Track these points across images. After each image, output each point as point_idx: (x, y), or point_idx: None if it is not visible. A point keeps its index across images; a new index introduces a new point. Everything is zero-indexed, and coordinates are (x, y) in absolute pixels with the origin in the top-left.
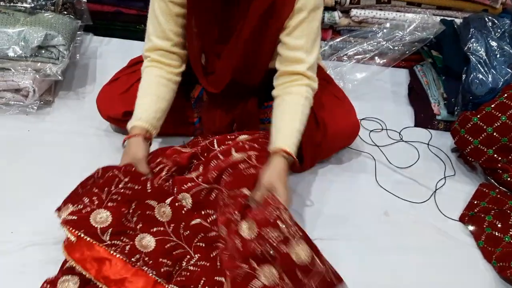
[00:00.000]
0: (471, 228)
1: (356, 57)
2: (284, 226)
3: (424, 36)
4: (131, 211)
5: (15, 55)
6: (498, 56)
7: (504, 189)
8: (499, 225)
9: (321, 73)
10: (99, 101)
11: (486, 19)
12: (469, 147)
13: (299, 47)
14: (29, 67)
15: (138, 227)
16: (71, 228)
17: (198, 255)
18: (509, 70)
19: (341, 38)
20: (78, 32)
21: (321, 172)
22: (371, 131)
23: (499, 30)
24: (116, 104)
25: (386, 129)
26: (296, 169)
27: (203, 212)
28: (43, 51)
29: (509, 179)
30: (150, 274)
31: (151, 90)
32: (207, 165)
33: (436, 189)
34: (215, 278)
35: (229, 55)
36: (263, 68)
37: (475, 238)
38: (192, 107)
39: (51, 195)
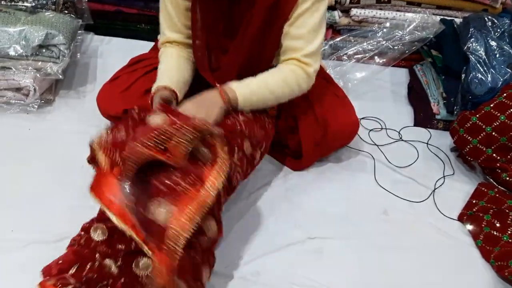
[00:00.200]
0: (469, 227)
1: (356, 56)
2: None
3: (424, 35)
4: None
5: (16, 54)
6: (497, 55)
7: (503, 188)
8: (497, 225)
9: (321, 72)
10: (99, 100)
11: (485, 18)
12: (468, 146)
13: (299, 37)
14: (30, 66)
15: None
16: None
17: None
18: (509, 70)
19: (341, 37)
20: (78, 31)
21: (320, 171)
22: (370, 130)
23: (498, 30)
24: (116, 102)
25: (386, 129)
26: (296, 167)
27: None
28: (44, 50)
29: (508, 178)
30: None
31: (172, 64)
32: None
33: (435, 189)
34: None
35: (236, 50)
36: (269, 62)
37: (474, 237)
38: None
39: (52, 193)
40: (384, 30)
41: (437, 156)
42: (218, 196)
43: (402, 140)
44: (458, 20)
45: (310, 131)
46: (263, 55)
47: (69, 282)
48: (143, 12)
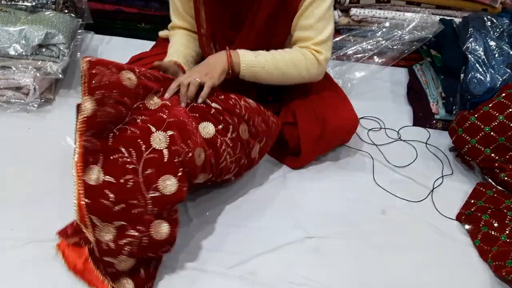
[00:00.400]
0: (467, 227)
1: (355, 56)
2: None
3: (423, 35)
4: None
5: (16, 54)
6: (496, 55)
7: (501, 188)
8: (495, 224)
9: None
10: None
11: (485, 18)
12: (467, 146)
13: (308, 27)
14: (30, 65)
15: None
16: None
17: None
18: (508, 70)
19: (341, 37)
20: (79, 31)
21: (319, 171)
22: (369, 130)
23: (498, 30)
24: None
25: (385, 128)
26: (295, 164)
27: None
28: (43, 50)
29: (506, 178)
30: None
31: (180, 42)
32: None
33: (433, 188)
34: None
35: (242, 43)
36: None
37: (472, 237)
38: None
39: (51, 192)
40: (384, 29)
41: (436, 156)
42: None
43: (401, 139)
44: (457, 20)
45: (309, 127)
46: (269, 47)
47: (89, 240)
48: (143, 12)
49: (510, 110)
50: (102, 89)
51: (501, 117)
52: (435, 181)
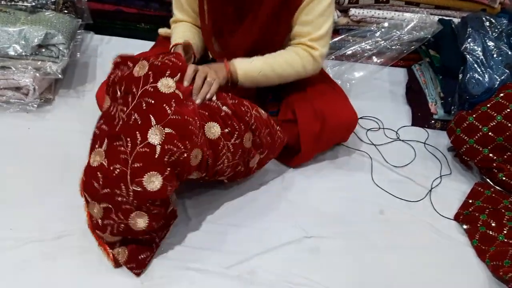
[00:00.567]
0: (465, 226)
1: (354, 56)
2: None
3: (422, 35)
4: None
5: (16, 54)
6: (495, 55)
7: (499, 188)
8: (493, 224)
9: (320, 72)
10: (99, 96)
11: (483, 18)
12: (465, 146)
13: (308, 22)
14: (29, 66)
15: None
16: None
17: None
18: (506, 70)
19: (340, 37)
20: (78, 31)
21: (317, 170)
22: (368, 130)
23: (496, 30)
24: None
25: (383, 128)
26: (294, 162)
27: None
28: (43, 50)
29: (504, 178)
30: None
31: (185, 30)
32: None
33: (431, 188)
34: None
35: (244, 34)
36: (277, 48)
37: (469, 237)
38: None
39: (51, 192)
40: (383, 30)
41: (434, 156)
42: None
43: (400, 139)
44: (456, 20)
45: (309, 124)
46: (271, 41)
47: None
48: (143, 12)
49: (508, 110)
50: (113, 87)
51: (499, 117)
52: (433, 181)
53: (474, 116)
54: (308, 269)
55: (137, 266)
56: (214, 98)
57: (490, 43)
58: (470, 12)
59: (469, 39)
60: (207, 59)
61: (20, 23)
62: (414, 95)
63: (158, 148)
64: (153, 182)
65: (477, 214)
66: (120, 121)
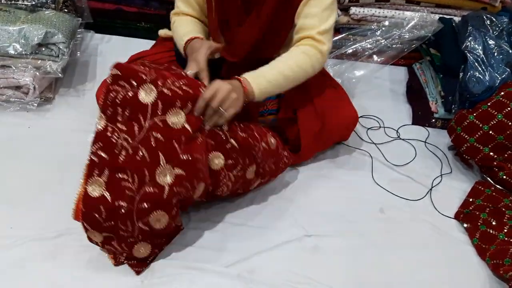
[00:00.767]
0: (466, 225)
1: (355, 55)
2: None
3: (422, 34)
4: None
5: (16, 53)
6: (495, 54)
7: (499, 187)
8: (493, 223)
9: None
10: (99, 95)
11: (484, 17)
12: (465, 145)
13: (313, 15)
14: (29, 65)
15: None
16: None
17: None
18: (507, 69)
19: (340, 36)
20: (78, 30)
21: (318, 169)
22: (368, 128)
23: (497, 29)
24: None
25: (384, 127)
26: (294, 160)
27: None
28: (43, 49)
29: (504, 177)
30: None
31: (192, 24)
32: None
33: (432, 187)
34: None
35: (251, 27)
36: (282, 40)
37: (470, 236)
38: None
39: (51, 191)
40: (383, 28)
41: (435, 155)
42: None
43: (400, 138)
44: (457, 19)
45: (309, 122)
46: (277, 34)
47: None
48: (143, 11)
49: (509, 109)
50: (113, 107)
51: (499, 116)
52: (433, 180)
53: (474, 114)
54: (308, 267)
55: (138, 264)
56: (225, 127)
57: (491, 42)
58: (470, 11)
59: (470, 38)
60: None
61: (20, 22)
62: (415, 94)
63: (167, 189)
64: (160, 221)
65: (477, 213)
66: (124, 151)
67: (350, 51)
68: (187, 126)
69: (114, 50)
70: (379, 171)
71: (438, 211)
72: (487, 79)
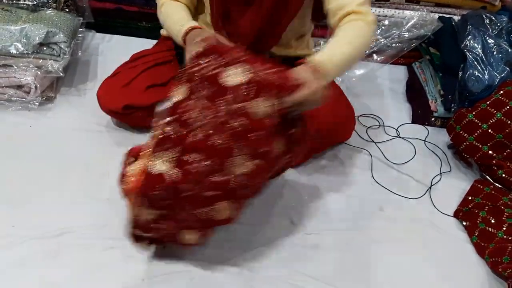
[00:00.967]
0: (465, 223)
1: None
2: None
3: (422, 33)
4: None
5: (17, 52)
6: (495, 53)
7: (498, 185)
8: (492, 221)
9: None
10: (100, 94)
11: (483, 16)
12: (464, 143)
13: None
14: (31, 64)
15: None
16: None
17: None
18: (506, 67)
19: None
20: (79, 29)
21: (317, 168)
22: (368, 127)
23: (496, 28)
24: (117, 97)
25: (383, 126)
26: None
27: None
28: (44, 48)
29: (503, 175)
30: None
31: (180, 9)
32: None
33: (431, 185)
34: None
35: (254, 15)
36: (283, 30)
37: (469, 234)
38: None
39: (52, 189)
40: (383, 27)
41: (434, 153)
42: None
43: (400, 137)
44: (456, 18)
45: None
46: (279, 23)
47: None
48: (144, 10)
49: (508, 107)
50: (197, 82)
51: (498, 115)
52: (433, 178)
53: (474, 113)
54: (308, 265)
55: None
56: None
57: (490, 41)
58: (470, 10)
59: (469, 37)
60: None
61: (22, 22)
62: (414, 93)
63: (237, 180)
64: (223, 211)
65: (476, 211)
66: (200, 132)
67: None
68: (269, 117)
69: (115, 49)
70: (378, 169)
71: (438, 209)
72: (487, 78)
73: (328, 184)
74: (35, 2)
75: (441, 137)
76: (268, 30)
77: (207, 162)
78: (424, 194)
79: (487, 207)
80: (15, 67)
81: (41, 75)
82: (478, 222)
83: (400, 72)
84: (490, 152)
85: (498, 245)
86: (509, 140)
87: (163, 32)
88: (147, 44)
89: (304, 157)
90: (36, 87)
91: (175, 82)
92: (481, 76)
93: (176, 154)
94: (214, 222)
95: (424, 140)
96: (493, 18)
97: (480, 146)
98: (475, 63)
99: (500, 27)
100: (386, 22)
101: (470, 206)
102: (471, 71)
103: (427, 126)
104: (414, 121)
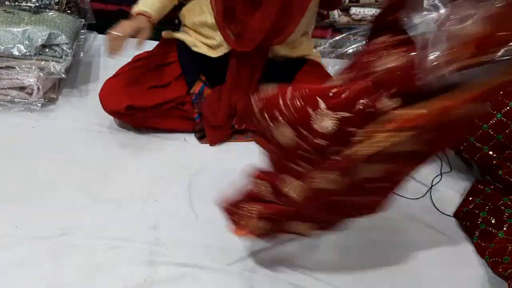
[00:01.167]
0: (465, 223)
1: (355, 55)
2: None
3: None
4: None
5: (20, 54)
6: None
7: (498, 185)
8: (493, 221)
9: (319, 69)
10: (102, 95)
11: None
12: (465, 144)
13: None
14: (33, 66)
15: None
16: None
17: None
18: None
19: (341, 36)
20: (81, 31)
21: None
22: None
23: None
24: (119, 97)
25: None
26: None
27: None
28: (47, 50)
29: (504, 175)
30: None
31: None
32: None
33: (432, 186)
34: None
35: (267, 10)
36: (296, 24)
37: (469, 234)
38: (192, 103)
39: (54, 190)
40: None
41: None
42: None
43: None
44: None
45: None
46: (292, 17)
47: None
48: None
49: (508, 108)
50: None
51: (499, 115)
52: (433, 179)
53: None
54: (308, 266)
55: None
56: None
57: None
58: None
59: None
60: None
61: (24, 24)
62: None
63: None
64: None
65: (477, 211)
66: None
67: (351, 51)
68: None
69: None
70: None
71: (438, 210)
72: None
73: None
74: (37, 4)
75: None
76: (280, 26)
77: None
78: (425, 195)
79: (487, 207)
80: (18, 69)
81: (44, 77)
82: (478, 222)
83: None
84: (490, 152)
85: (499, 245)
86: (509, 141)
87: (164, 34)
88: (149, 45)
89: None
90: (38, 88)
91: None
92: None
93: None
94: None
95: None
96: None
97: (480, 147)
98: None
99: None
100: None
101: (470, 207)
102: None
103: None
104: None
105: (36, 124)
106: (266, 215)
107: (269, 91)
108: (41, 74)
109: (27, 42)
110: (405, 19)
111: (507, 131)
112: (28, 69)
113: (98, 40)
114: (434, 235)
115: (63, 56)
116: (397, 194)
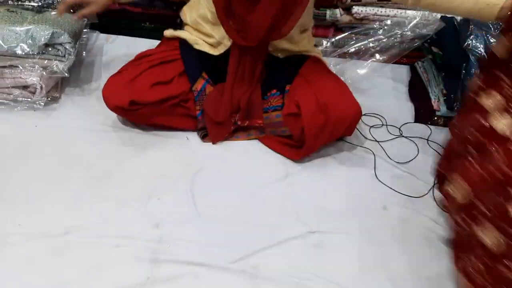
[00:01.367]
0: None
1: (357, 53)
2: None
3: (424, 33)
4: None
5: (23, 53)
6: None
7: None
8: None
9: (323, 65)
10: (106, 91)
11: None
12: None
13: None
14: (36, 65)
15: None
16: None
17: None
18: None
19: (343, 35)
20: (84, 30)
21: (321, 166)
22: (371, 126)
23: (499, 27)
24: (122, 93)
25: (386, 125)
26: (298, 155)
27: None
28: (50, 49)
29: None
30: None
31: None
32: None
33: (434, 184)
34: None
35: (268, 4)
36: (298, 17)
37: None
38: (195, 100)
39: (58, 188)
40: (385, 27)
41: (437, 152)
42: None
43: (403, 136)
44: (458, 18)
45: (313, 117)
46: (293, 10)
47: None
48: (148, 11)
49: None
50: None
51: None
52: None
53: None
54: (312, 264)
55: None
56: None
57: (493, 40)
58: None
59: (472, 36)
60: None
61: (27, 23)
62: (417, 92)
63: None
64: None
65: None
66: None
67: (353, 50)
68: None
69: (119, 50)
70: (382, 168)
71: (441, 208)
72: None
73: (331, 183)
74: (40, 3)
75: (444, 136)
76: (282, 19)
77: None
78: (427, 193)
79: None
80: (21, 68)
81: (47, 76)
82: None
83: (403, 72)
84: None
85: None
86: None
87: (166, 33)
88: (151, 44)
89: (312, 149)
90: (41, 87)
91: None
92: None
93: None
94: None
95: (427, 139)
96: None
97: None
98: (478, 62)
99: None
100: (389, 22)
101: None
102: (473, 70)
103: (430, 125)
104: (417, 120)
105: (39, 123)
106: None
107: None
108: (44, 73)
109: (30, 41)
110: None
111: None
112: (31, 68)
113: (100, 39)
114: (436, 233)
115: (66, 55)
116: (400, 193)
